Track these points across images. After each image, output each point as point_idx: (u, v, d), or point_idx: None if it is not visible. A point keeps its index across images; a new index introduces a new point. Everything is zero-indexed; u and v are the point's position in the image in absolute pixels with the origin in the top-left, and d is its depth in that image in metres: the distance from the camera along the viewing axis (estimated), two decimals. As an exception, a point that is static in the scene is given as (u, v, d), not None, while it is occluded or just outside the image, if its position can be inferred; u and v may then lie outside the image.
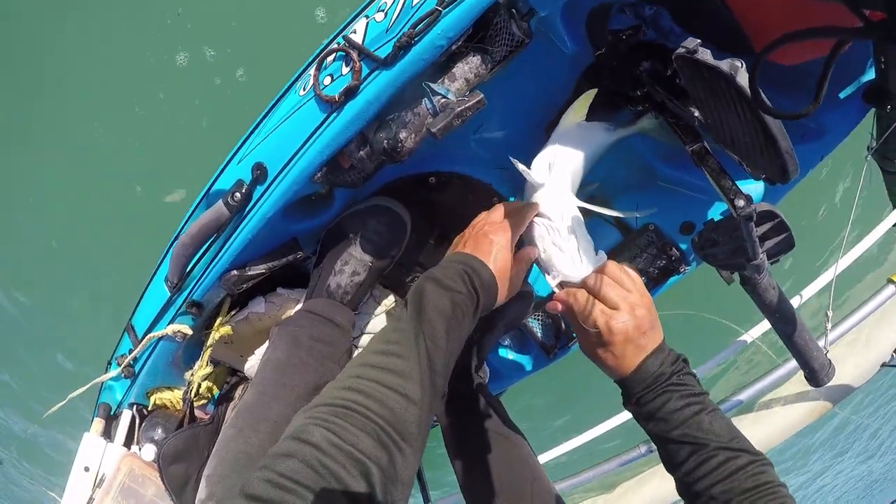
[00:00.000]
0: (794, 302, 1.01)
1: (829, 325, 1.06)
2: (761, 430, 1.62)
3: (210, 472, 0.77)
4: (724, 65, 0.71)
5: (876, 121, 0.94)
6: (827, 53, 0.53)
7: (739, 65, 0.71)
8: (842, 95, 1.03)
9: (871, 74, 1.01)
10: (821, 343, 1.06)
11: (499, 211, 0.84)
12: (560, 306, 0.78)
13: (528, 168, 0.91)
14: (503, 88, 0.98)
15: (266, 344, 1.11)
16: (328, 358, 0.93)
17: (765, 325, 1.12)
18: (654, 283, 1.24)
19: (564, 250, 0.81)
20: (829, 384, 1.07)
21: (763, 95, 0.67)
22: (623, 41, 0.96)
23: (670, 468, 0.71)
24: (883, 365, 1.79)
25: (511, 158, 0.90)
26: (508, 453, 1.04)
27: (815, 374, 1.06)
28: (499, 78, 0.84)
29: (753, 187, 1.12)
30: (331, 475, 0.46)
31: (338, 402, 0.52)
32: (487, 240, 0.78)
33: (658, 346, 0.71)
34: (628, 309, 0.70)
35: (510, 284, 0.78)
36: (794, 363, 1.23)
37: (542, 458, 1.36)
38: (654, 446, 1.37)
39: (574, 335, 1.36)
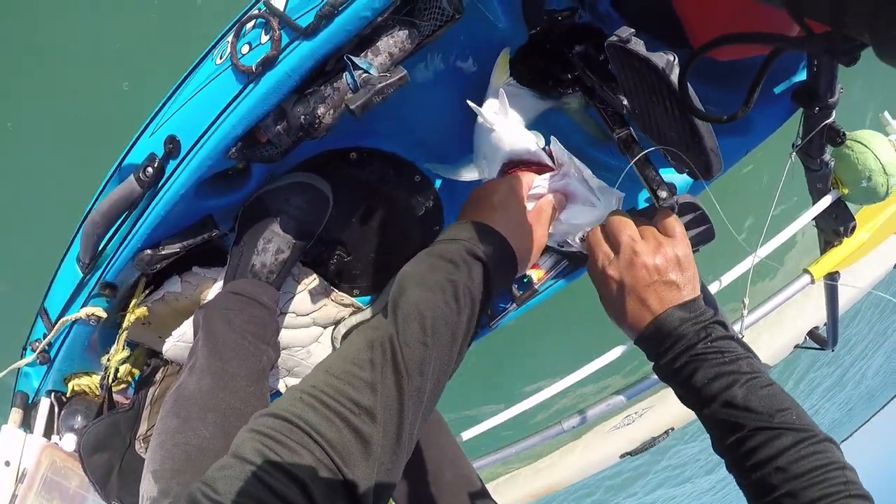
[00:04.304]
0: (713, 287, 1.05)
1: (746, 312, 1.11)
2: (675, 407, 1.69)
3: (157, 466, 0.72)
4: (658, 58, 0.69)
5: (803, 120, 0.97)
6: (765, 52, 0.53)
7: (672, 59, 0.69)
8: (775, 91, 1.06)
9: (802, 75, 1.04)
10: (736, 328, 1.11)
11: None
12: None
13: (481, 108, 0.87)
14: (432, 63, 0.94)
15: (184, 325, 1.06)
16: (260, 340, 0.90)
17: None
18: (571, 268, 1.25)
19: (578, 194, 0.74)
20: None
21: (692, 95, 0.67)
22: (558, 22, 0.95)
23: (717, 450, 0.62)
24: (796, 346, 1.91)
25: (468, 102, 0.86)
26: (428, 435, 1.04)
27: (730, 358, 1.10)
28: (427, 51, 0.80)
29: (681, 177, 1.14)
30: (269, 492, 0.46)
31: (285, 415, 0.51)
32: (486, 196, 0.69)
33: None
34: None
35: (534, 237, 0.69)
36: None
37: (469, 434, 1.35)
38: (578, 422, 1.40)
39: (510, 303, 1.32)
